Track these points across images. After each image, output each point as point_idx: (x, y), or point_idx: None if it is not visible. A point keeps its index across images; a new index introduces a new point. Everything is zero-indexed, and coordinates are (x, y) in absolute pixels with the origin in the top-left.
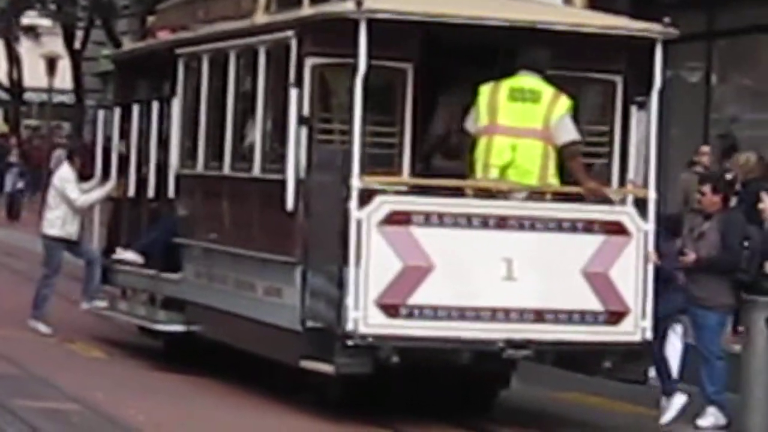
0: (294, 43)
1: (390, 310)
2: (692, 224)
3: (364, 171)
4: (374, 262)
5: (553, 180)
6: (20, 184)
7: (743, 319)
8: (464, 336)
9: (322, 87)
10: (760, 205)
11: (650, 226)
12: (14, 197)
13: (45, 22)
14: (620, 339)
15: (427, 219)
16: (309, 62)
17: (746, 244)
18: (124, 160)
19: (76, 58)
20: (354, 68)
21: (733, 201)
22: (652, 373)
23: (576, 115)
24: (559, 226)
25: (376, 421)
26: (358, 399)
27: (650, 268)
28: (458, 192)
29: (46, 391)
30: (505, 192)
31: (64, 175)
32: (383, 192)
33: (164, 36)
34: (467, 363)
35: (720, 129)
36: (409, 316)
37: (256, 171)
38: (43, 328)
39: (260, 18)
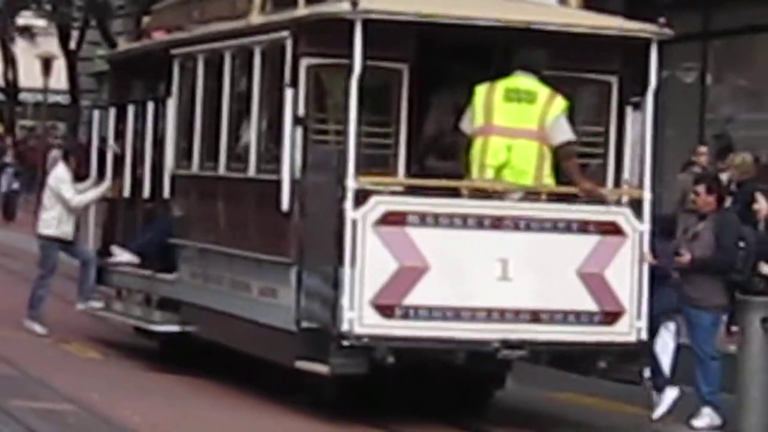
0: (289, 44)
1: (385, 310)
2: (686, 224)
3: (359, 171)
4: (369, 262)
5: (548, 180)
6: (15, 185)
7: (739, 320)
8: (459, 336)
9: (318, 87)
10: (755, 206)
11: (645, 226)
12: (9, 197)
13: (40, 23)
14: (615, 339)
15: (423, 219)
16: (304, 62)
17: (741, 244)
18: (119, 161)
19: (71, 58)
20: (349, 68)
21: (728, 201)
22: (647, 373)
23: (571, 115)
24: (555, 226)
25: (372, 421)
26: (353, 399)
27: (645, 268)
28: (454, 192)
29: (42, 392)
30: (501, 192)
31: (59, 175)
32: (378, 192)
33: (159, 36)
34: (462, 363)
35: (715, 129)
36: (405, 316)
37: (252, 171)
38: (38, 328)
39: (255, 18)
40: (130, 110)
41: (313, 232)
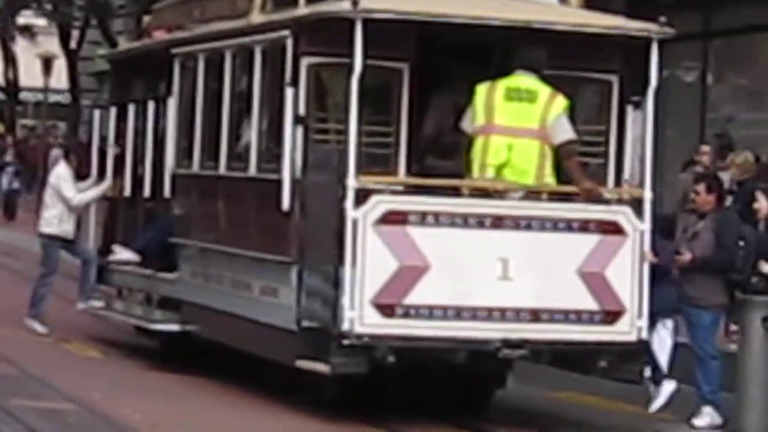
0: (290, 43)
1: (386, 309)
2: (686, 224)
3: (359, 171)
4: (370, 261)
5: (549, 179)
6: (16, 184)
7: (739, 319)
8: (460, 336)
9: (318, 86)
10: (755, 205)
11: (646, 225)
12: (10, 196)
13: (41, 22)
14: (616, 339)
15: (423, 219)
16: (305, 62)
17: (741, 244)
18: (119, 160)
19: (71, 57)
20: (350, 68)
21: (729, 200)
22: (647, 373)
23: (572, 114)
24: (555, 225)
25: (372, 420)
26: (354, 399)
27: (646, 267)
28: (454, 192)
29: (43, 391)
30: (501, 192)
31: (60, 173)
32: (379, 192)
33: (160, 36)
34: (463, 362)
35: (716, 129)
36: (405, 315)
37: (252, 171)
38: (39, 327)
39: (256, 17)
40: (131, 110)
41: (313, 232)
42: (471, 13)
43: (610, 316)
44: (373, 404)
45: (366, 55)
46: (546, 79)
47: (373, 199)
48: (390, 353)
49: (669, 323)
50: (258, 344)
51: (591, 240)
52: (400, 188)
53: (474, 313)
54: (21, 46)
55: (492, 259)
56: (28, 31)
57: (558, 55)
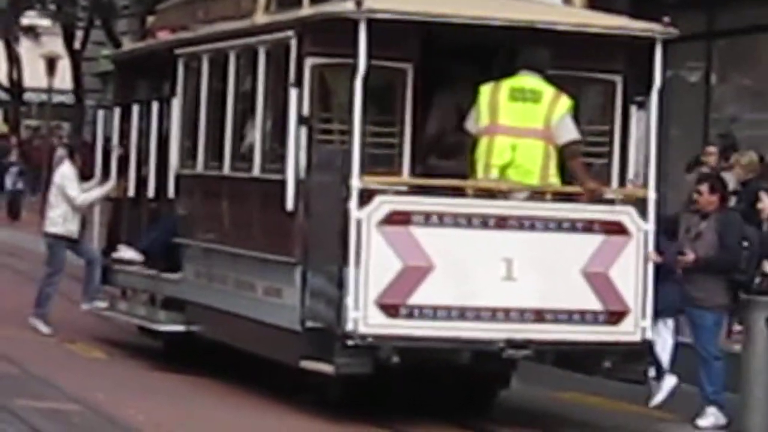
0: (294, 43)
1: (390, 310)
2: (689, 224)
3: (363, 171)
4: (374, 262)
5: (554, 180)
6: (20, 184)
7: (743, 319)
8: (464, 336)
9: (322, 87)
10: (759, 205)
11: (650, 226)
12: (14, 196)
13: (45, 23)
14: (620, 339)
15: (427, 219)
16: (309, 62)
17: (745, 244)
18: (123, 160)
19: (75, 58)
20: (354, 68)
21: (733, 201)
22: (651, 373)
23: (576, 114)
24: (559, 225)
25: (376, 421)
26: (358, 399)
27: (650, 268)
28: (458, 192)
29: (47, 392)
30: (505, 192)
31: (65, 172)
32: (383, 192)
33: (164, 36)
34: (467, 363)
35: (720, 129)
36: (409, 316)
37: (256, 171)
38: (43, 327)
39: (260, 18)
40: (135, 110)
41: (317, 232)
42: (475, 13)
43: (614, 316)
44: (377, 404)
45: (370, 56)
46: (550, 80)
47: (377, 199)
48: (394, 353)
49: (670, 322)
50: (262, 345)
51: (595, 240)
52: (404, 188)
53: (478, 314)
54: (25, 47)
55: (496, 259)
56: (32, 31)
57: (562, 56)
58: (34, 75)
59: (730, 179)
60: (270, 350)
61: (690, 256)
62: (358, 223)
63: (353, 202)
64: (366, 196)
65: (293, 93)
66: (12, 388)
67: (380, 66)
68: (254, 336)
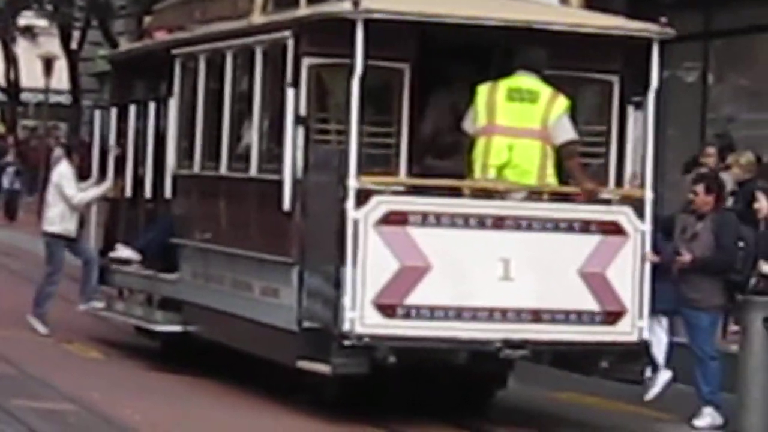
0: (291, 43)
1: (387, 310)
2: (685, 224)
3: (360, 171)
4: (371, 262)
5: (551, 180)
6: (17, 184)
7: (740, 319)
8: (461, 336)
9: (319, 87)
10: (756, 205)
11: (647, 226)
12: (11, 196)
13: (42, 23)
14: (617, 339)
15: (424, 219)
16: (306, 62)
17: (741, 245)
18: (120, 161)
19: (72, 58)
20: (351, 68)
21: (730, 201)
22: (648, 373)
23: (573, 115)
24: (556, 226)
25: (373, 421)
26: (354, 399)
27: (647, 268)
28: (455, 192)
29: (43, 391)
30: (503, 192)
31: (62, 171)
32: (380, 192)
33: (161, 36)
34: (464, 363)
35: (717, 129)
36: (406, 316)
37: (253, 171)
38: (40, 327)
39: (257, 18)
40: (132, 110)
41: (314, 232)
42: (472, 13)
43: (611, 316)
44: (374, 404)
45: (367, 56)
46: (547, 80)
47: (374, 199)
48: (391, 354)
49: (663, 321)
50: (259, 345)
51: (592, 240)
52: (401, 189)
53: (475, 314)
54: (22, 47)
55: (493, 259)
56: (29, 31)
57: (559, 56)
58: (31, 75)
59: (728, 179)
60: (267, 350)
61: (687, 257)
62: (355, 223)
63: (350, 202)
64: (363, 196)
65: (290, 93)
66: (8, 388)
67: (377, 66)
68: (251, 336)
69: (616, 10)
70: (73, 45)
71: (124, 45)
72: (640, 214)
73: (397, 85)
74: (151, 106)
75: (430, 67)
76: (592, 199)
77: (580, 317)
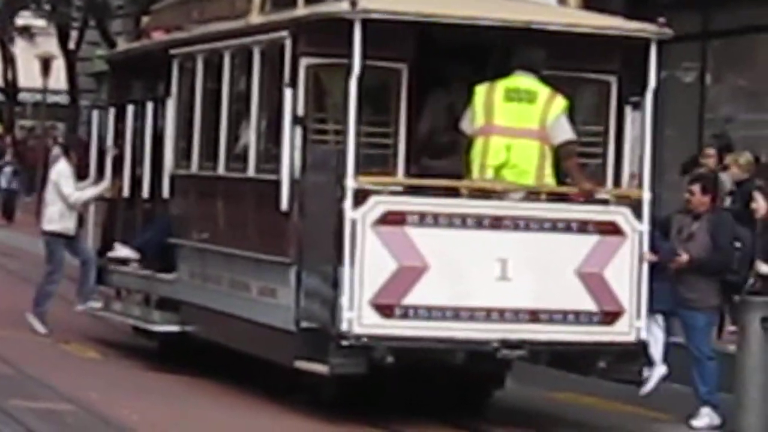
0: (288, 44)
1: (384, 310)
2: (681, 225)
3: (358, 171)
4: (369, 262)
5: (549, 180)
6: (14, 184)
7: (738, 319)
8: (459, 336)
9: (317, 87)
10: (753, 205)
11: (645, 226)
12: (9, 195)
13: (39, 23)
14: (615, 339)
15: (422, 219)
16: (303, 62)
17: (737, 245)
18: (118, 161)
19: (70, 58)
20: (348, 68)
21: (728, 201)
22: (646, 373)
23: (571, 115)
24: (554, 226)
25: (371, 421)
26: (352, 399)
27: (645, 268)
28: (453, 192)
29: (41, 392)
30: (501, 192)
31: (60, 169)
32: (378, 192)
33: (159, 36)
34: (462, 363)
35: (714, 129)
36: (404, 316)
37: (251, 171)
38: (39, 326)
39: (255, 18)
40: (130, 110)
41: (312, 232)
42: (470, 13)
43: (609, 316)
44: (372, 405)
45: (365, 56)
46: (545, 80)
47: (372, 199)
48: (388, 354)
49: (660, 318)
50: (256, 345)
51: (590, 240)
52: (398, 189)
53: (472, 314)
54: (20, 47)
55: (491, 259)
56: (26, 31)
57: (556, 56)
58: (28, 75)
59: (726, 180)
60: (264, 350)
61: (684, 257)
62: (353, 223)
63: (348, 203)
64: (361, 197)
65: (288, 93)
66: (6, 388)
67: (375, 66)
68: (249, 336)
69: (614, 10)
70: (71, 45)
71: (122, 45)
72: (638, 214)
73: (395, 85)
74: (149, 106)
75: (428, 67)
76: (589, 199)
77: (578, 317)
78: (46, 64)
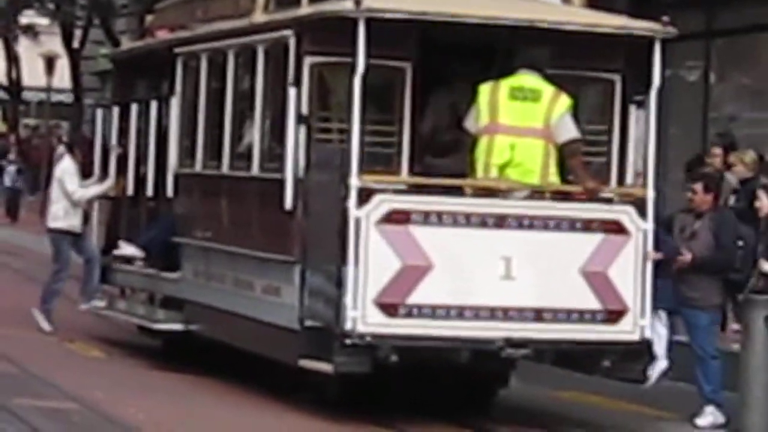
0: (292, 42)
1: (389, 309)
2: (683, 223)
3: (362, 170)
4: (373, 261)
5: (554, 179)
6: (18, 183)
7: (742, 318)
8: (463, 335)
9: (321, 86)
10: (757, 203)
11: (649, 225)
12: (13, 193)
13: (43, 21)
14: (619, 338)
15: (426, 218)
16: (307, 61)
17: (740, 243)
18: (122, 159)
19: (74, 57)
20: (352, 67)
21: (732, 199)
22: (650, 371)
23: (575, 113)
24: (558, 225)
25: (375, 420)
26: (356, 398)
27: (649, 266)
28: (457, 191)
29: (46, 390)
30: (505, 191)
31: (65, 167)
32: (382, 191)
33: (163, 35)
34: (466, 362)
35: (719, 128)
36: (408, 315)
37: (255, 170)
38: (45, 324)
39: (259, 17)
40: (134, 109)
41: (316, 231)
42: (474, 12)
43: (613, 315)
44: (376, 403)
45: (369, 55)
46: (549, 79)
47: (376, 198)
48: (393, 352)
49: (663, 315)
50: (261, 343)
51: (594, 239)
52: (403, 187)
53: (477, 313)
54: (24, 46)
55: (495, 258)
56: (30, 30)
57: (561, 55)
58: (32, 74)
59: (731, 178)
60: (269, 349)
61: (688, 256)
62: (357, 221)
63: (352, 201)
64: (365, 195)
65: (292, 92)
66: (11, 387)
67: (379, 65)
68: (253, 335)
69: (619, 9)
70: (75, 44)
71: (126, 44)
72: (642, 213)
73: (399, 84)
74: (153, 105)
75: (432, 66)
76: (593, 198)
77: (582, 316)
78: (50, 63)
